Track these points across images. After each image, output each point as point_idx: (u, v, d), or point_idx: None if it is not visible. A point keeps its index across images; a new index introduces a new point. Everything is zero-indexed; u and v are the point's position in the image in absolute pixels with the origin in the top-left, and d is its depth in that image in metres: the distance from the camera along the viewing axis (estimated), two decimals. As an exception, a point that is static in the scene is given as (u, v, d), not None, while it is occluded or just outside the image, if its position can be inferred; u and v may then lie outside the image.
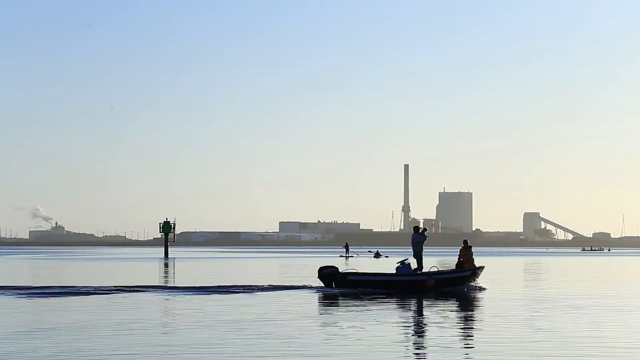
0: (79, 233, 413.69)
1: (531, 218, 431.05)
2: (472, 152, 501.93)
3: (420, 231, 34.12)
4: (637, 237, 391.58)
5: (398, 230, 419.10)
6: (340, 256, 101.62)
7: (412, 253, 33.76)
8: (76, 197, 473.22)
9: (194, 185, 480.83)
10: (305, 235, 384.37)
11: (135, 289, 31.72)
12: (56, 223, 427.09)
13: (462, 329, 19.41)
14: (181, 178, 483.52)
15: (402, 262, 32.84)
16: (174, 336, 17.58)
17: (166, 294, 30.26)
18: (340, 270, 32.93)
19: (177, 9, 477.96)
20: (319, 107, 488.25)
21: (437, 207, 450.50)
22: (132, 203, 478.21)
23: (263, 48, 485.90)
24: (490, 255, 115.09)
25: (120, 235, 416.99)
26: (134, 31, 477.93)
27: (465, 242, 34.44)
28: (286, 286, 33.38)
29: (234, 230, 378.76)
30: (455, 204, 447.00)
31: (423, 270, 33.29)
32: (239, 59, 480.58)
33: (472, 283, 32.77)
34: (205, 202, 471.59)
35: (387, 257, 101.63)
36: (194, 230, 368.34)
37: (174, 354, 14.89)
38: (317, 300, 27.92)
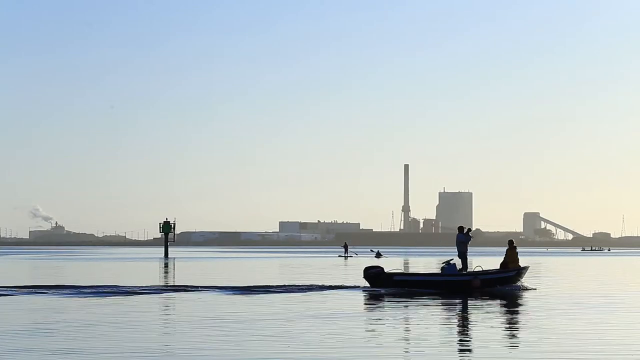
0: (79, 233, 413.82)
1: (531, 218, 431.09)
2: (472, 152, 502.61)
3: (464, 231, 34.06)
4: (637, 237, 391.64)
5: (398, 230, 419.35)
6: (339, 256, 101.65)
7: (457, 253, 33.79)
8: (76, 197, 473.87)
9: (194, 185, 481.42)
10: (305, 235, 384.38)
11: (183, 288, 32.05)
12: (56, 223, 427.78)
13: (506, 328, 19.54)
14: (181, 178, 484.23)
15: (448, 262, 32.88)
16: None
17: (219, 293, 30.29)
18: (386, 271, 33.14)
19: (177, 9, 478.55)
20: (319, 107, 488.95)
21: (437, 207, 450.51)
22: (132, 203, 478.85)
23: (263, 48, 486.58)
24: (491, 255, 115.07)
25: (120, 235, 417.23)
26: (134, 31, 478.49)
27: (510, 242, 34.43)
28: (332, 286, 33.62)
29: (234, 230, 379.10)
30: (455, 204, 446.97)
31: (468, 270, 33.36)
32: (239, 59, 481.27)
33: (517, 283, 32.86)
34: (205, 202, 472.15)
35: (386, 257, 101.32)
36: (194, 230, 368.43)
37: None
38: (363, 300, 28.15)
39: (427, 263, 73.04)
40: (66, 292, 30.34)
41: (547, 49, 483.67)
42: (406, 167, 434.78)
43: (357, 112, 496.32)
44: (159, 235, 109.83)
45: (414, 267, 58.82)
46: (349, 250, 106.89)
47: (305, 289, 32.36)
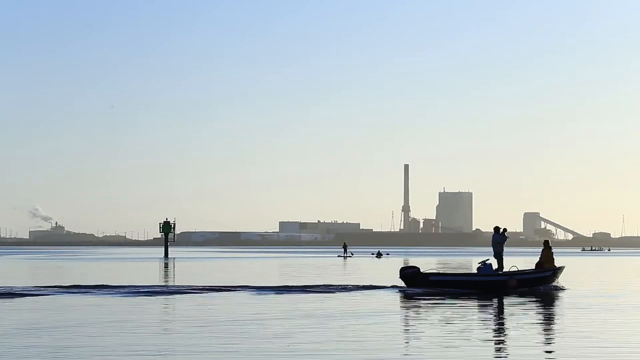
0: (79, 233, 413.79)
1: (531, 218, 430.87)
2: (472, 152, 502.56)
3: (500, 231, 34.03)
4: (637, 237, 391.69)
5: (398, 230, 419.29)
6: (339, 256, 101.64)
7: (493, 253, 33.80)
8: (76, 197, 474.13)
9: (194, 185, 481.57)
10: (305, 235, 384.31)
11: (228, 288, 32.40)
12: (56, 223, 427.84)
13: (543, 328, 19.65)
14: (181, 178, 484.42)
15: (484, 262, 32.95)
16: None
17: (259, 293, 30.66)
18: (421, 271, 33.27)
19: (177, 9, 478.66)
20: (319, 107, 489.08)
21: (437, 207, 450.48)
22: (132, 203, 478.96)
23: (263, 48, 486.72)
24: (490, 255, 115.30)
25: (120, 235, 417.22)
26: (134, 31, 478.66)
27: (546, 242, 34.54)
28: (367, 286, 33.92)
29: (234, 230, 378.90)
30: (455, 204, 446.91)
31: (504, 270, 33.41)
32: (239, 59, 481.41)
33: (553, 283, 33.04)
34: (205, 202, 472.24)
35: (387, 254, 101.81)
36: (194, 230, 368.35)
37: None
38: (399, 300, 28.39)
39: (427, 263, 73.01)
40: (107, 291, 30.77)
41: (547, 49, 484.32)
42: (406, 167, 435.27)
43: (357, 112, 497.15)
44: (159, 235, 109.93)
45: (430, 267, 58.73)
46: (347, 249, 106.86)
47: (342, 288, 32.70)
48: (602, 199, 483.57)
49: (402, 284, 32.65)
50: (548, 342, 17.06)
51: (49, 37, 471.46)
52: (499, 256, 33.47)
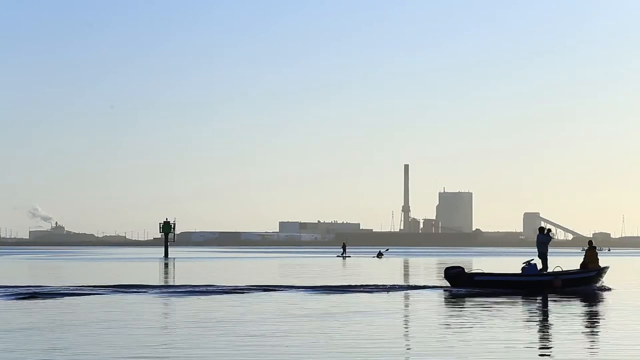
0: (79, 233, 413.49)
1: (531, 218, 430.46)
2: (472, 152, 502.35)
3: (545, 232, 34.30)
4: (637, 237, 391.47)
5: (398, 230, 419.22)
6: (338, 256, 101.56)
7: (537, 253, 34.01)
8: (76, 197, 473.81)
9: (194, 185, 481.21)
10: (305, 235, 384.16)
11: (271, 288, 32.98)
12: (56, 223, 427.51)
13: (590, 329, 19.65)
14: (181, 178, 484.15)
15: (528, 263, 33.12)
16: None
17: (303, 292, 31.21)
18: (466, 271, 33.52)
19: (177, 9, 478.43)
20: (319, 107, 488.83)
21: (437, 207, 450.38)
22: (132, 203, 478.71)
23: (263, 48, 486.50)
24: (490, 255, 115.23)
25: (120, 235, 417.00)
26: (134, 31, 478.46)
27: (590, 242, 34.92)
28: (412, 286, 34.50)
29: (234, 230, 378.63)
30: (455, 204, 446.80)
31: (548, 271, 33.57)
32: (239, 59, 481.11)
33: (597, 283, 33.15)
34: (205, 202, 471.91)
35: (387, 249, 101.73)
36: (194, 230, 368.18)
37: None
38: (444, 300, 28.66)
39: (427, 263, 73.06)
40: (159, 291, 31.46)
41: (547, 49, 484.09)
42: (406, 167, 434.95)
43: (357, 112, 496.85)
44: (159, 235, 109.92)
45: (422, 267, 58.73)
46: (346, 249, 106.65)
47: (389, 288, 33.35)
48: (602, 199, 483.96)
49: (447, 283, 33.03)
50: (595, 343, 17.01)
51: (49, 37, 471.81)
52: (543, 256, 33.71)
